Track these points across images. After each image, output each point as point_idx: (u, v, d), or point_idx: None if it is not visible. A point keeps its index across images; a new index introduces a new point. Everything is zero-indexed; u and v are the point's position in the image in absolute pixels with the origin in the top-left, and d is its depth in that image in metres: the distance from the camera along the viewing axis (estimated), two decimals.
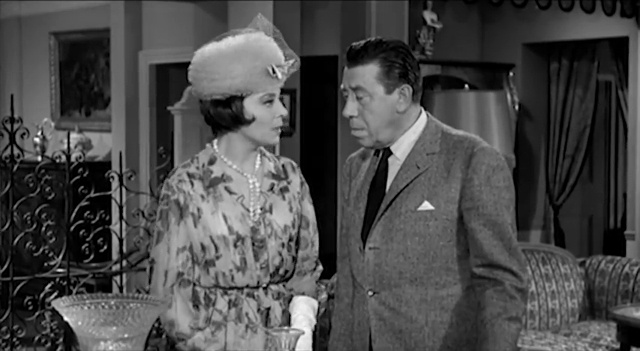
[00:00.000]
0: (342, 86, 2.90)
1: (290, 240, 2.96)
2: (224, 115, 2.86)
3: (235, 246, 2.87)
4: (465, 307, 2.83)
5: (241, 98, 2.84)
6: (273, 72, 2.85)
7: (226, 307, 2.90)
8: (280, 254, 2.93)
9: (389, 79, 2.81)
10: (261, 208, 2.93)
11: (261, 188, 2.95)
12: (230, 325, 2.90)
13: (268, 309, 2.94)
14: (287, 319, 2.98)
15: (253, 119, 2.86)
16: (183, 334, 2.88)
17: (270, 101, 2.88)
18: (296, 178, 3.04)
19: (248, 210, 2.91)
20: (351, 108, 2.87)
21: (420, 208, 2.80)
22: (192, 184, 2.90)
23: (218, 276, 2.88)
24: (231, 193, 2.91)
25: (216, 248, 2.87)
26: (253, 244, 2.89)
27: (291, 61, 2.92)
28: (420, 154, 2.85)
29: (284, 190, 2.99)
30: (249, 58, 2.83)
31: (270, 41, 2.89)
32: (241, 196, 2.91)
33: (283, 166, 3.03)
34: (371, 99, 2.83)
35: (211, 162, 2.93)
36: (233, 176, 2.93)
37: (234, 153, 2.93)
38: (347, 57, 2.86)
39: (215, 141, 2.97)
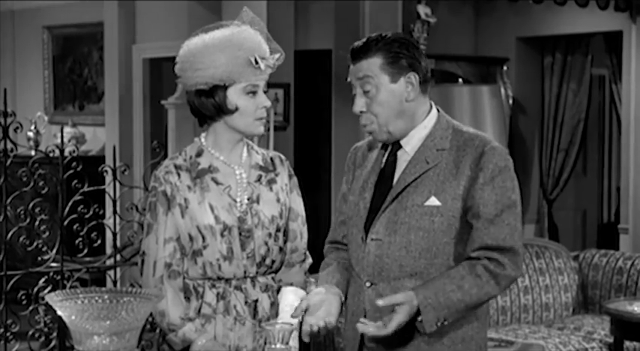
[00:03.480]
0: (349, 79, 2.91)
1: (277, 230, 2.99)
2: (207, 105, 2.90)
3: (222, 235, 2.90)
4: None
5: (224, 88, 2.88)
6: (256, 62, 2.88)
7: (215, 299, 2.92)
8: (266, 244, 2.96)
9: (393, 68, 2.82)
10: (248, 199, 2.95)
11: (248, 179, 2.98)
12: (219, 318, 2.93)
13: (256, 301, 2.96)
14: (275, 312, 3.00)
15: (236, 109, 2.90)
16: (174, 324, 2.89)
17: (254, 92, 2.92)
18: (284, 171, 3.07)
19: (235, 200, 2.94)
20: (359, 103, 2.87)
21: (426, 203, 2.81)
22: (178, 175, 2.94)
23: (205, 266, 2.91)
24: (217, 183, 2.94)
25: (203, 238, 2.90)
26: (240, 234, 2.92)
27: (276, 56, 2.95)
28: (430, 149, 2.85)
29: (271, 182, 3.02)
30: (232, 48, 2.87)
31: (256, 34, 2.93)
32: (228, 186, 2.94)
33: (272, 158, 3.07)
34: (377, 90, 2.83)
35: (198, 154, 2.97)
36: (220, 167, 2.96)
37: (221, 145, 2.97)
38: (350, 55, 2.88)
39: (203, 135, 3.01)
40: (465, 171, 2.80)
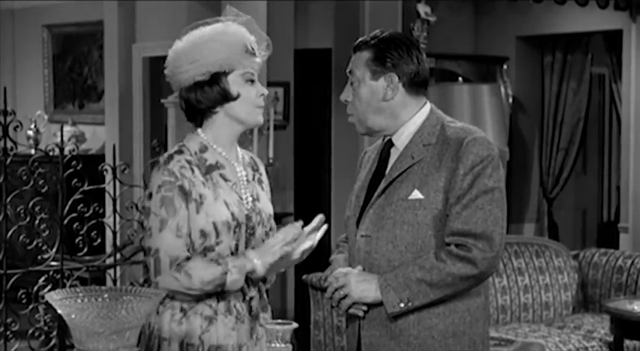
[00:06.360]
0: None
1: (270, 229, 3.02)
2: (211, 94, 2.91)
3: (234, 232, 2.90)
4: (453, 298, 2.85)
5: (225, 74, 2.90)
6: (252, 49, 2.93)
7: (215, 300, 2.91)
8: (263, 241, 2.97)
9: (376, 66, 2.88)
10: (251, 196, 2.97)
11: (247, 177, 3.00)
12: (220, 319, 2.91)
13: (251, 298, 2.97)
14: (262, 307, 3.01)
15: (238, 96, 2.92)
16: (219, 272, 2.84)
17: (252, 80, 2.94)
18: (264, 172, 3.12)
19: (241, 197, 2.95)
20: (345, 93, 2.96)
21: (410, 197, 2.84)
22: (192, 170, 2.91)
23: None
24: (226, 180, 2.95)
25: (218, 234, 2.88)
26: (246, 231, 2.93)
27: (264, 44, 3.00)
28: (417, 145, 2.89)
29: (260, 182, 3.06)
30: (226, 37, 2.91)
31: (241, 27, 2.97)
32: (234, 183, 2.96)
33: (252, 158, 3.11)
34: (359, 84, 2.91)
35: (202, 150, 2.96)
36: (225, 164, 2.97)
37: (221, 141, 2.97)
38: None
39: (199, 130, 2.99)
40: (447, 163, 2.83)
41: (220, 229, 2.88)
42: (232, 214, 2.89)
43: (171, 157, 2.92)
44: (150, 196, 2.91)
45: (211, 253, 2.89)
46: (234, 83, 2.91)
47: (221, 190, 2.91)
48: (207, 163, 2.94)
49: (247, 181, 2.99)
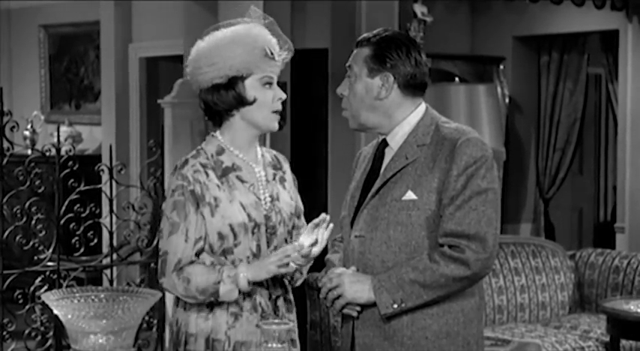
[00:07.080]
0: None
1: (293, 227, 3.07)
2: (227, 98, 2.94)
3: (253, 233, 2.93)
4: (447, 299, 2.85)
5: (242, 78, 2.92)
6: (271, 53, 2.95)
7: (241, 297, 2.95)
8: (286, 241, 3.03)
9: (374, 63, 2.89)
10: (270, 196, 2.99)
11: (266, 177, 3.02)
12: (245, 316, 2.95)
13: (277, 297, 3.01)
14: (287, 308, 3.05)
15: (255, 100, 2.93)
16: (214, 282, 2.88)
17: (270, 83, 2.97)
18: (288, 169, 3.15)
19: (259, 198, 2.98)
20: (342, 87, 2.97)
21: (404, 198, 2.84)
22: (207, 174, 2.95)
23: (235, 263, 2.93)
24: (242, 181, 2.98)
25: (235, 236, 2.92)
26: (266, 231, 2.96)
27: (285, 47, 3.03)
28: (411, 145, 2.89)
29: (282, 180, 3.09)
30: (247, 40, 2.94)
31: (264, 29, 3.01)
32: (252, 184, 2.99)
33: (276, 156, 3.13)
34: (355, 80, 2.92)
35: (219, 153, 3.00)
36: (242, 166, 3.00)
37: (239, 143, 3.00)
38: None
39: (218, 132, 3.02)
40: (441, 164, 2.83)
41: (237, 230, 2.92)
42: (249, 216, 2.92)
43: (186, 161, 2.97)
44: (165, 199, 2.97)
45: (230, 255, 2.92)
46: (251, 87, 2.93)
47: (237, 192, 2.94)
48: (224, 165, 2.97)
49: (267, 181, 3.02)
